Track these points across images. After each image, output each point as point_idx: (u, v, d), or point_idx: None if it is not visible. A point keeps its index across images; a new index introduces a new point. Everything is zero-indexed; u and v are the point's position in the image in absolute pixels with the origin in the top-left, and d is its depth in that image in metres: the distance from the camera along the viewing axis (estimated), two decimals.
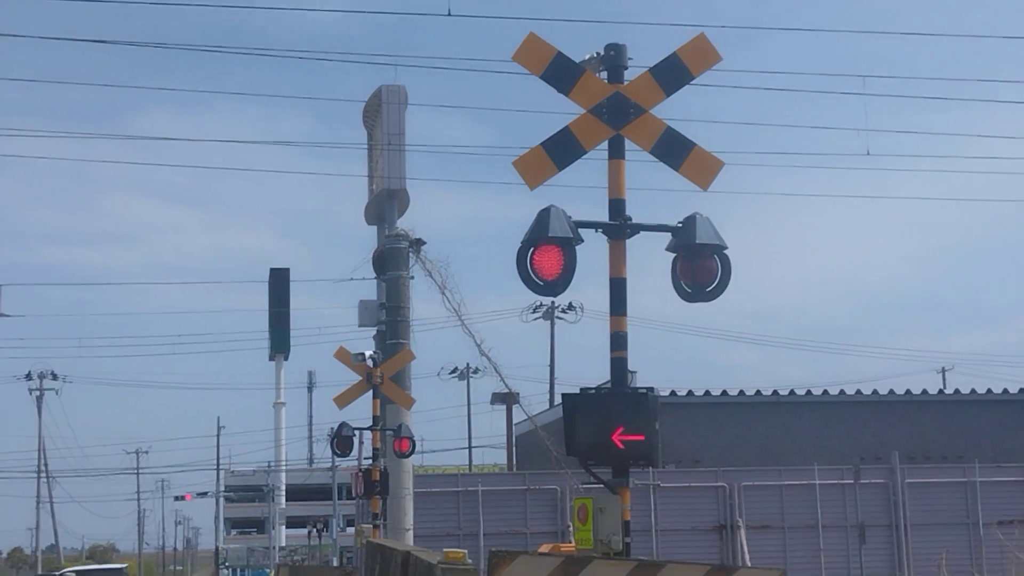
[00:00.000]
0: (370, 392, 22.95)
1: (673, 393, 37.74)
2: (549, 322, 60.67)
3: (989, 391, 39.96)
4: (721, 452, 35.10)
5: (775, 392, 38.93)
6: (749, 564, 26.41)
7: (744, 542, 28.91)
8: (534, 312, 60.79)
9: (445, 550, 5.67)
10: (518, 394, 40.16)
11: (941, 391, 43.35)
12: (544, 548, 17.32)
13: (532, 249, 8.89)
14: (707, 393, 38.39)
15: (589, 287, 9.26)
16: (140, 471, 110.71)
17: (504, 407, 53.64)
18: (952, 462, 33.60)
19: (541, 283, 8.96)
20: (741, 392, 38.52)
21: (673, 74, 9.31)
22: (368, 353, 23.34)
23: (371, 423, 23.37)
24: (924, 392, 40.01)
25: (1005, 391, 39.97)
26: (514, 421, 52.68)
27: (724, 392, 38.60)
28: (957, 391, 41.33)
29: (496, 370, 27.39)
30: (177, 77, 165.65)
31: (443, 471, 60.07)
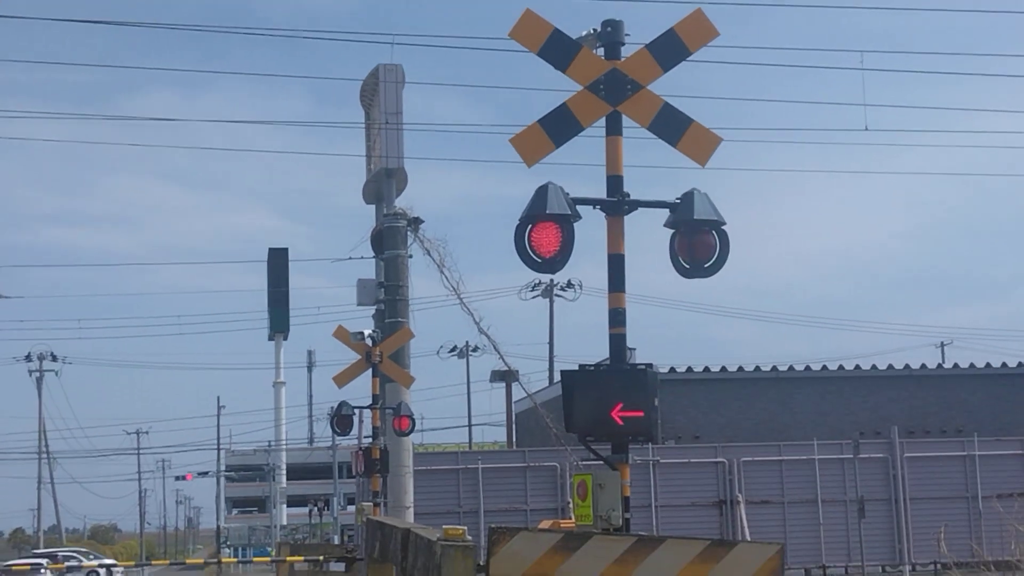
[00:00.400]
0: (369, 371, 22.91)
1: (672, 370, 37.79)
2: (548, 300, 60.74)
3: (988, 365, 40.05)
4: (720, 428, 35.20)
5: (774, 368, 39.01)
6: (749, 539, 26.47)
7: (744, 517, 29.00)
8: (533, 290, 60.89)
9: (445, 527, 5.68)
10: (517, 372, 40.20)
11: (940, 365, 43.44)
12: (544, 524, 17.38)
13: (530, 226, 8.84)
14: (706, 369, 38.44)
15: (588, 264, 9.23)
16: (140, 451, 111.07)
17: (503, 385, 53.74)
18: (951, 436, 33.69)
19: (539, 260, 8.92)
20: (740, 368, 38.59)
21: (671, 50, 9.24)
22: (367, 332, 23.30)
23: (371, 402, 23.37)
24: (923, 367, 40.10)
25: (1004, 365, 40.05)
26: (514, 399, 52.81)
27: (723, 368, 38.67)
28: (956, 365, 41.41)
29: (495, 348, 27.44)
30: (175, 58, 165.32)
31: (443, 449, 60.20)
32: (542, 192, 8.83)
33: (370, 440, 24.00)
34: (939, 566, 23.63)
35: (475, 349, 65.52)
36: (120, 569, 56.86)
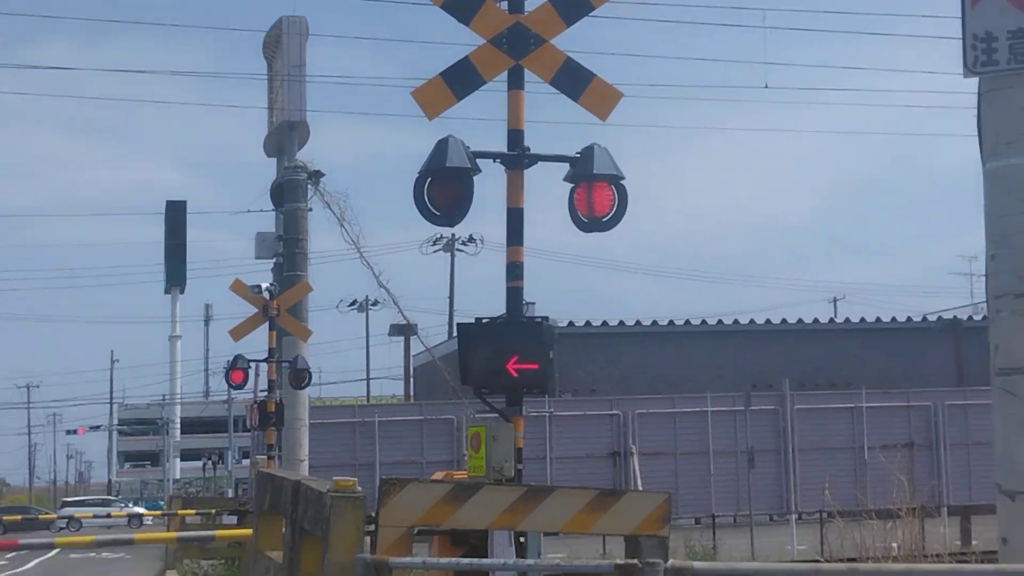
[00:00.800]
0: (266, 324, 22.73)
1: (571, 324, 38.09)
2: (449, 254, 60.63)
3: (878, 320, 41.00)
4: (618, 381, 35.60)
5: (671, 322, 39.52)
6: (641, 489, 26.83)
7: (637, 468, 29.41)
8: (434, 244, 60.64)
9: (335, 478, 5.68)
10: (416, 325, 40.24)
11: (832, 320, 44.35)
12: (437, 476, 17.42)
13: (429, 179, 8.83)
14: (604, 323, 38.81)
15: (491, 219, 9.24)
16: (31, 405, 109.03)
17: (402, 339, 53.68)
18: (840, 389, 34.41)
19: (438, 213, 8.92)
20: (638, 322, 39.02)
21: (574, 5, 9.18)
22: (264, 285, 23.06)
23: (267, 355, 23.22)
24: (815, 321, 40.92)
25: (893, 319, 41.05)
26: (412, 352, 52.86)
27: (621, 323, 39.05)
28: (847, 320, 42.34)
29: (394, 302, 27.35)
30: (75, 6, 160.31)
31: (341, 403, 60.01)
32: (442, 145, 8.81)
33: (266, 394, 23.83)
34: (825, 515, 24.18)
35: (375, 303, 65.26)
36: (150, 519, 56.25)
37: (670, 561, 4.90)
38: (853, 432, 31.08)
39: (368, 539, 5.64)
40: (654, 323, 39.18)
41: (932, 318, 42.32)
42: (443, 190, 8.84)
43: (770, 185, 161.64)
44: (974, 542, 22.83)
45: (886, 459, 20.43)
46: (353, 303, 67.75)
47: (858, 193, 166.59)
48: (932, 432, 31.23)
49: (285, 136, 24.66)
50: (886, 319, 41.28)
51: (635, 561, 4.83)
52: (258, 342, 24.34)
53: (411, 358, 53.33)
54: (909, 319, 41.82)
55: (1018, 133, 6.44)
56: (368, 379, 70.48)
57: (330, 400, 71.31)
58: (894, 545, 10.59)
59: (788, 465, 30.45)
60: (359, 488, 5.55)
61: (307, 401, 23.59)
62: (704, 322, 40.28)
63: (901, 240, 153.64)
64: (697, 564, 5.11)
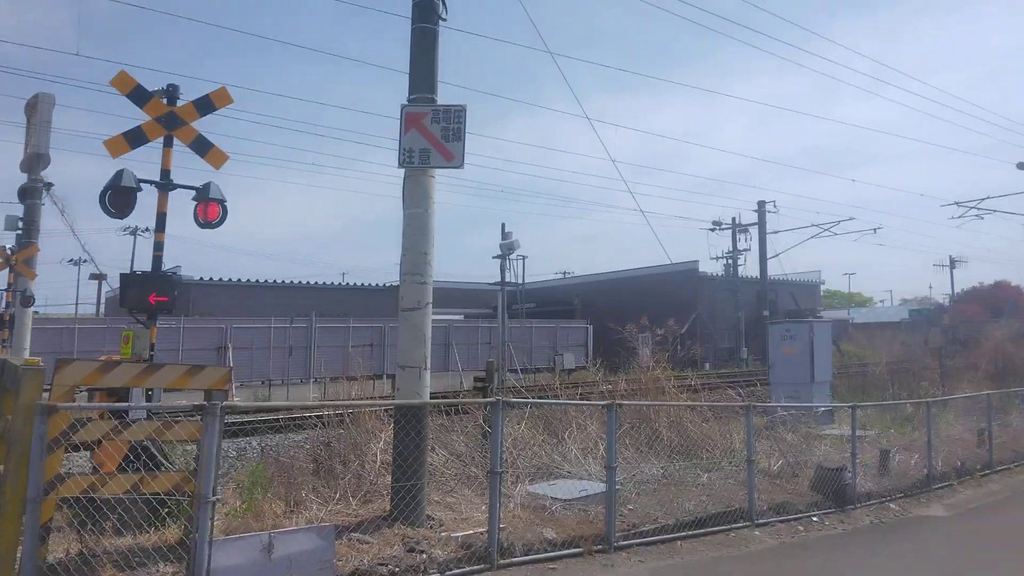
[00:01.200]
0: (7, 270, 18.86)
1: (201, 279, 34.52)
2: (133, 236, 52.93)
3: (364, 285, 40.73)
4: (227, 309, 32.62)
5: (258, 281, 37.00)
6: (231, 366, 24.86)
7: (231, 356, 27.18)
8: (126, 230, 52.82)
9: (27, 358, 4.63)
10: (106, 275, 34.54)
11: (339, 284, 43.58)
12: (102, 358, 15.09)
13: (109, 192, 7.73)
14: (220, 279, 35.60)
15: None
16: None
17: (97, 282, 46.69)
18: (341, 318, 33.73)
19: (113, 211, 7.83)
20: (239, 279, 36.14)
21: (204, 106, 8.44)
22: (8, 247, 19.35)
23: (6, 287, 19.06)
24: (332, 283, 39.72)
25: (375, 285, 40.96)
26: (104, 291, 45.81)
27: (230, 279, 36.00)
28: (347, 284, 41.86)
29: (92, 260, 23.36)
30: None
31: (57, 317, 49.74)
32: (119, 173, 7.78)
33: (4, 308, 19.52)
34: (328, 379, 23.76)
35: (84, 261, 55.32)
36: None
37: (226, 402, 4.50)
38: (343, 337, 30.69)
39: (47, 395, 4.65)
40: (248, 280, 36.47)
41: (388, 285, 43.11)
42: (117, 198, 7.72)
43: (320, 219, 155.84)
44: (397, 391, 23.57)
45: (359, 351, 20.51)
46: (71, 260, 57.18)
47: (373, 225, 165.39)
48: (381, 339, 31.73)
49: (34, 161, 20.38)
50: (370, 285, 41.42)
51: (205, 403, 4.38)
52: (2, 280, 19.94)
53: (103, 294, 46.06)
54: (378, 285, 42.31)
55: (420, 198, 6.72)
56: (77, 304, 59.53)
57: (51, 315, 58.84)
58: (337, 392, 10.44)
59: (312, 353, 29.54)
60: (42, 364, 4.54)
61: (31, 315, 19.43)
62: (275, 281, 38.12)
63: (388, 247, 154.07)
64: (242, 403, 4.75)
